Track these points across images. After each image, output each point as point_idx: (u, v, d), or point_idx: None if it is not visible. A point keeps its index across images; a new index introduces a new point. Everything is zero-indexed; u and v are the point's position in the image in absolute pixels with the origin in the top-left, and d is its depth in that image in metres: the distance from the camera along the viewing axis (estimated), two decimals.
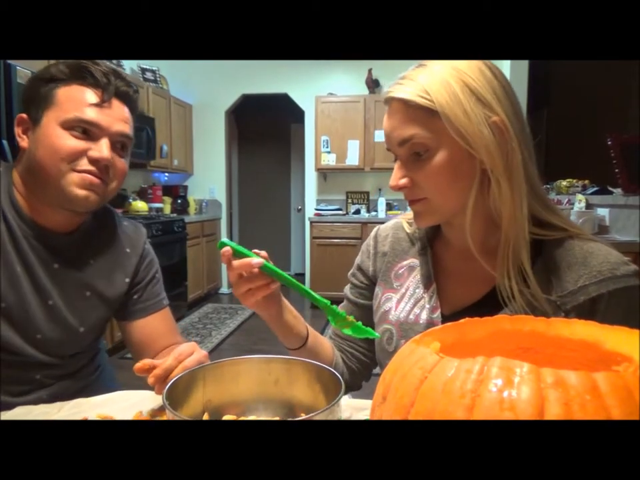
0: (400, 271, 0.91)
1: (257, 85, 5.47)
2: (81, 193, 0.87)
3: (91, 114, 0.86)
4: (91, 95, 0.87)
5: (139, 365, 0.77)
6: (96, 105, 0.87)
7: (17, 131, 0.91)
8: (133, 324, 1.05)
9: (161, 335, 1.06)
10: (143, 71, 4.78)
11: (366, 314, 0.95)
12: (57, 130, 0.85)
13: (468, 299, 0.81)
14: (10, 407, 0.82)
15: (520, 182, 0.73)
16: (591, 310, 0.71)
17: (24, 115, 0.90)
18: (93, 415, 0.77)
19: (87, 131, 0.86)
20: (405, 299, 0.87)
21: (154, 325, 1.06)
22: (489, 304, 0.76)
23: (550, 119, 5.09)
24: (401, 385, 0.42)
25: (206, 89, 5.54)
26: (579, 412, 0.33)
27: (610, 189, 2.73)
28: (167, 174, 5.44)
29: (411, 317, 0.85)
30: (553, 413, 0.33)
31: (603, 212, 2.62)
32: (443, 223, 0.85)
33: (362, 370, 0.99)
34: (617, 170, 2.53)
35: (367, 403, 0.82)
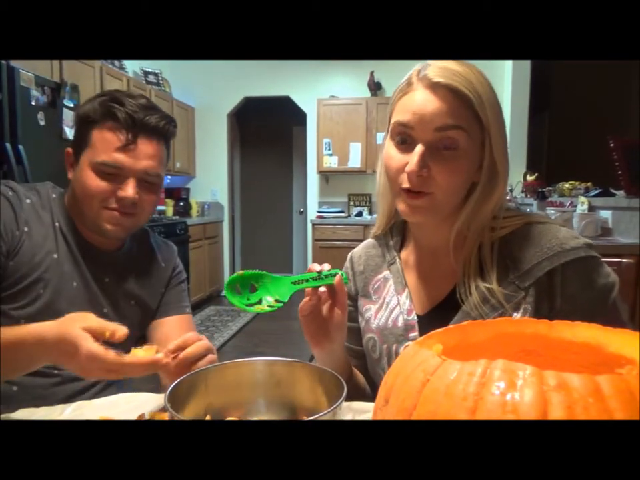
0: (376, 285, 0.95)
1: (259, 88, 5.48)
2: (110, 228, 0.97)
3: (116, 157, 0.93)
4: (117, 137, 0.93)
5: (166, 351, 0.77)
6: (121, 147, 0.93)
7: (66, 163, 1.01)
8: (154, 322, 1.12)
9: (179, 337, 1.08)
10: (146, 73, 4.80)
11: (356, 336, 0.97)
12: (88, 172, 0.94)
13: (438, 295, 0.85)
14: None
15: (502, 191, 0.80)
16: (549, 285, 0.75)
17: (70, 150, 1.00)
18: (95, 417, 0.77)
19: (114, 172, 0.94)
20: (382, 308, 0.91)
21: (173, 326, 1.11)
22: (455, 299, 0.80)
23: (552, 121, 5.09)
24: (403, 387, 0.42)
25: (208, 92, 5.56)
26: (581, 415, 0.33)
27: (612, 191, 2.73)
28: (169, 176, 5.44)
29: (389, 322, 0.89)
30: (556, 415, 0.33)
31: (605, 214, 2.62)
32: (422, 223, 0.86)
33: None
34: (619, 172, 2.52)
35: (369, 405, 0.82)
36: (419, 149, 0.73)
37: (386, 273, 0.93)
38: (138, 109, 0.94)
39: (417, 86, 0.75)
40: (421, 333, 0.83)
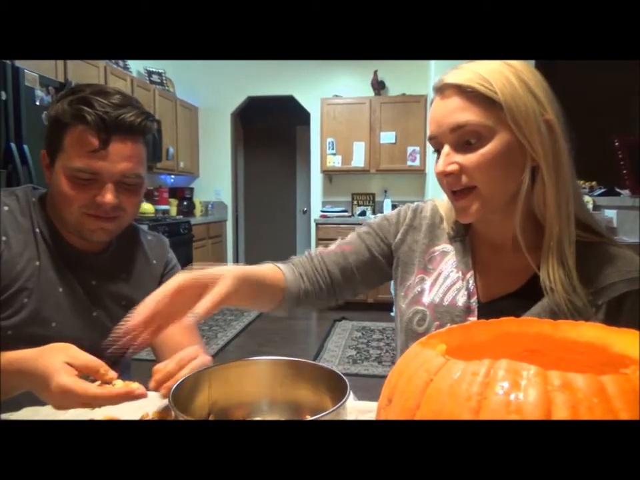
0: (434, 255, 0.91)
1: (262, 87, 5.48)
2: (93, 233, 0.94)
3: (90, 163, 0.88)
4: (90, 141, 0.87)
5: (152, 384, 0.77)
6: (93, 151, 0.87)
7: (42, 164, 0.96)
8: None
9: (176, 331, 1.07)
10: (149, 73, 4.81)
11: (366, 265, 0.93)
12: (63, 179, 0.89)
13: (504, 289, 0.83)
14: None
15: (567, 180, 0.76)
16: (618, 306, 0.74)
17: (45, 152, 0.95)
18: (98, 417, 0.77)
19: (90, 177, 0.89)
20: (438, 281, 0.88)
21: (174, 333, 1.08)
22: (526, 294, 0.79)
23: None
24: (407, 387, 0.42)
25: (212, 92, 5.56)
26: (586, 415, 0.33)
27: (617, 190, 2.72)
28: (173, 176, 5.46)
29: (446, 300, 0.86)
30: (560, 415, 0.33)
31: (610, 213, 2.60)
32: (483, 219, 0.83)
33: (327, 290, 0.94)
34: (624, 171, 2.51)
35: (373, 405, 0.82)
36: (444, 150, 0.76)
37: (446, 245, 0.90)
38: (110, 109, 0.88)
39: (434, 96, 0.79)
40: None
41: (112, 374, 0.70)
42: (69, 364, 0.69)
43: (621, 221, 2.54)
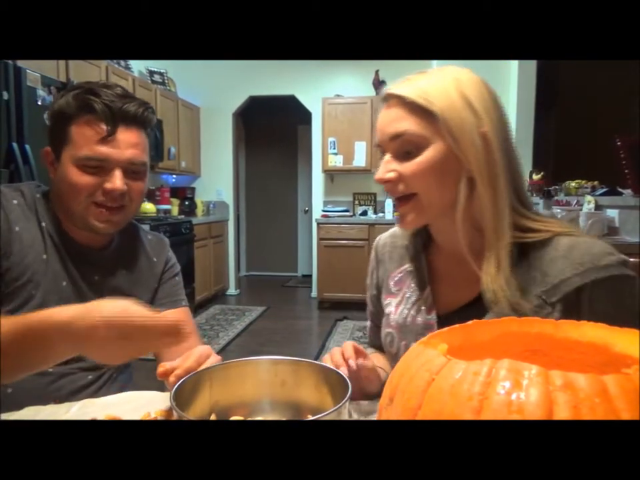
0: (397, 277, 0.94)
1: (264, 87, 5.48)
2: (100, 225, 0.95)
3: (99, 149, 0.91)
4: (97, 130, 0.91)
5: (160, 369, 0.76)
6: (102, 139, 0.91)
7: (46, 161, 0.98)
8: None
9: None
10: (151, 73, 4.81)
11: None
12: (72, 168, 0.92)
13: (461, 300, 0.84)
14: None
15: (502, 191, 0.76)
16: (576, 301, 0.73)
17: (49, 149, 0.97)
18: (101, 416, 0.77)
19: (99, 165, 0.92)
20: (402, 303, 0.91)
21: None
22: (479, 306, 0.79)
23: (558, 120, 5.06)
24: (408, 387, 0.42)
25: (213, 91, 5.57)
26: (588, 415, 0.33)
27: (619, 190, 2.71)
28: (174, 176, 5.46)
29: (409, 319, 0.88)
30: (562, 415, 0.33)
31: (612, 213, 2.60)
32: (432, 226, 0.88)
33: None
34: (626, 171, 2.51)
35: (374, 405, 0.82)
36: (385, 158, 0.80)
37: (408, 266, 0.93)
38: (115, 99, 0.92)
39: (383, 100, 0.82)
40: None
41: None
42: None
43: (623, 220, 2.53)
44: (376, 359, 0.95)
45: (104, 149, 0.91)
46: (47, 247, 0.96)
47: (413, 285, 0.90)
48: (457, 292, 0.85)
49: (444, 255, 0.89)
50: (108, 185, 0.92)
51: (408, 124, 0.76)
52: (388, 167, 0.79)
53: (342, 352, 0.81)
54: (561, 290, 0.73)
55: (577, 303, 0.72)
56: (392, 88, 0.79)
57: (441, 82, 0.76)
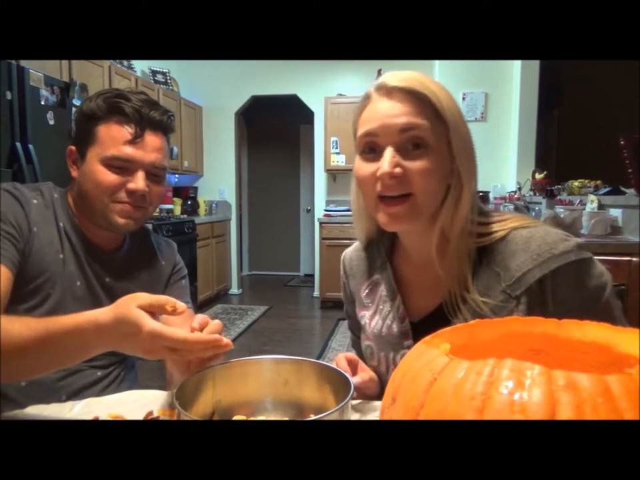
0: (367, 289, 0.94)
1: (266, 87, 5.48)
2: (121, 221, 0.98)
3: (126, 150, 0.95)
4: (125, 132, 0.95)
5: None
6: (129, 141, 0.95)
7: (68, 161, 1.01)
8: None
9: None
10: (154, 73, 4.82)
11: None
12: (98, 166, 0.95)
13: (431, 304, 0.84)
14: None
15: (474, 198, 0.79)
16: (540, 291, 0.74)
17: (73, 148, 1.00)
18: (104, 415, 0.77)
19: (124, 165, 0.95)
20: (377, 314, 0.90)
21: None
22: (444, 311, 0.80)
23: (561, 120, 5.05)
24: (411, 386, 0.41)
25: (216, 91, 5.57)
26: (590, 415, 0.32)
27: (623, 189, 2.70)
28: (177, 175, 5.47)
29: (384, 329, 0.88)
30: (565, 415, 0.33)
31: (615, 213, 2.59)
32: (405, 231, 0.86)
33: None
34: (629, 170, 2.50)
35: (376, 404, 0.82)
36: (389, 151, 0.74)
37: (376, 276, 0.92)
38: (143, 104, 0.97)
39: (374, 96, 0.78)
40: (416, 341, 0.82)
41: (180, 305, 0.69)
42: (146, 308, 0.68)
43: (626, 220, 2.53)
44: None
45: (130, 150, 0.95)
46: (63, 247, 0.98)
47: (383, 295, 0.90)
48: (426, 297, 0.85)
49: (410, 261, 0.89)
50: (131, 185, 0.95)
51: (421, 119, 0.74)
52: (395, 162, 0.74)
53: (336, 365, 0.81)
54: (523, 283, 0.74)
55: (541, 293, 0.74)
56: (395, 80, 0.76)
57: (442, 89, 0.77)
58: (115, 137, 0.95)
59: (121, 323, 0.67)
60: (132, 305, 0.67)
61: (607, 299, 0.74)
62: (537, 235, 0.76)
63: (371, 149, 0.77)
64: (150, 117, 0.97)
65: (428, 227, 0.80)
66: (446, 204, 0.78)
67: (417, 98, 0.74)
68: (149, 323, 0.65)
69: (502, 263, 0.77)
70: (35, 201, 0.97)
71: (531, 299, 0.74)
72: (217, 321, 0.77)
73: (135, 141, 0.95)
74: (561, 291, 0.73)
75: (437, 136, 0.75)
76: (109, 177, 0.94)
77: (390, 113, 0.75)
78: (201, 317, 0.76)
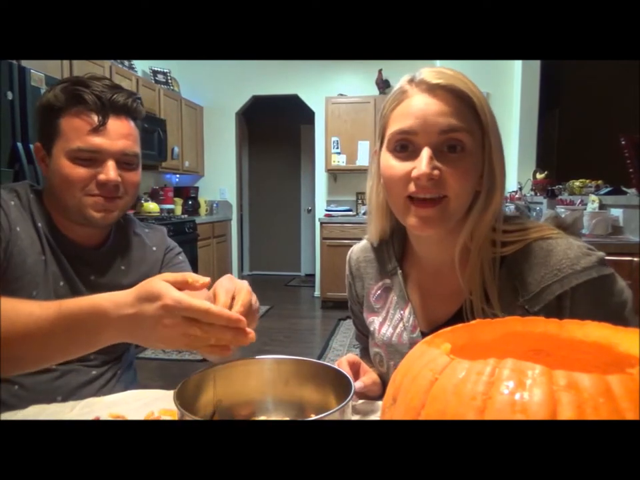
0: (377, 293, 0.91)
1: (267, 87, 5.49)
2: (97, 214, 0.94)
3: (91, 140, 0.90)
4: (88, 120, 0.90)
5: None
6: (93, 130, 0.90)
7: (37, 158, 0.97)
8: None
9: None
10: (155, 73, 4.82)
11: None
12: (64, 161, 0.91)
13: (443, 314, 0.82)
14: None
15: (502, 205, 0.78)
16: (558, 307, 0.72)
17: (39, 144, 0.95)
18: (105, 415, 0.77)
19: (91, 157, 0.90)
20: (387, 321, 0.88)
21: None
22: (461, 320, 0.77)
23: (562, 119, 5.05)
24: (412, 386, 0.41)
25: (217, 91, 5.57)
26: (592, 415, 0.32)
27: (624, 189, 2.70)
28: (178, 175, 5.47)
29: (394, 338, 0.86)
30: (566, 415, 0.33)
31: (616, 212, 2.59)
32: (425, 238, 0.82)
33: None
34: (630, 170, 2.50)
35: (377, 404, 0.82)
36: (427, 151, 0.71)
37: (386, 281, 0.89)
38: (104, 89, 0.91)
39: (412, 92, 0.73)
40: None
41: (203, 279, 0.66)
42: (170, 282, 0.63)
43: (627, 220, 2.53)
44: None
45: (96, 140, 0.90)
46: (44, 247, 0.95)
47: (393, 301, 0.87)
48: (438, 306, 0.83)
49: (420, 269, 0.87)
50: (102, 177, 0.91)
51: (465, 122, 0.71)
52: (434, 164, 0.70)
53: None
54: (542, 298, 0.72)
55: (559, 309, 0.72)
56: (438, 78, 0.72)
57: (479, 89, 0.75)
58: (77, 128, 0.90)
59: (142, 299, 0.61)
60: (156, 279, 0.63)
61: (626, 317, 0.72)
62: (559, 249, 0.73)
63: (403, 146, 0.74)
64: (112, 101, 0.91)
65: (448, 234, 0.78)
66: (473, 211, 0.76)
67: (459, 98, 0.72)
68: (173, 291, 0.60)
69: (520, 275, 0.75)
70: (12, 203, 0.94)
71: (549, 315, 0.72)
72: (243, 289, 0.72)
73: (98, 129, 0.90)
74: (580, 308, 0.70)
75: (475, 139, 0.73)
76: (78, 171, 0.90)
77: (431, 111, 0.71)
78: (232, 290, 0.71)
